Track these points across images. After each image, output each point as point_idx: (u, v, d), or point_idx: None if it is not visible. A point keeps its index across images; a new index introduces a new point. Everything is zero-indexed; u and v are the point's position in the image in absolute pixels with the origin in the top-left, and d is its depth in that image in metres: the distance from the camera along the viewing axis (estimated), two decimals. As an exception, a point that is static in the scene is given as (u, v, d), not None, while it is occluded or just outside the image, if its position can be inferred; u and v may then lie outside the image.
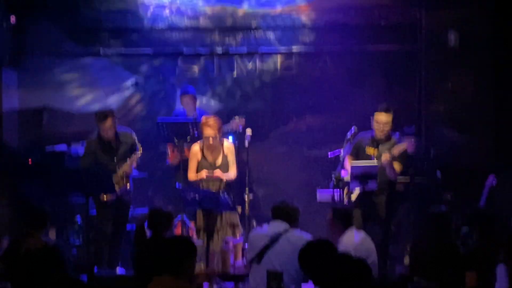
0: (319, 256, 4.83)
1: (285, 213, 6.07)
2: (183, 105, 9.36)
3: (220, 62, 10.31)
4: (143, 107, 10.35)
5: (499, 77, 9.59)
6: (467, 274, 5.72)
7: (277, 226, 5.98)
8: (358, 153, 7.89)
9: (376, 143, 7.78)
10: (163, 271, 4.65)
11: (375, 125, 7.76)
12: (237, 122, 8.84)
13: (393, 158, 7.63)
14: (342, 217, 6.26)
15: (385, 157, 7.52)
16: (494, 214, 6.23)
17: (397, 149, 7.61)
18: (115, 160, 7.99)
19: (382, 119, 7.72)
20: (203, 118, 7.99)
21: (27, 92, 10.36)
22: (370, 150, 7.76)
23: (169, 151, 9.29)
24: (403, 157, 7.70)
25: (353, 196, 7.62)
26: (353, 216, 6.55)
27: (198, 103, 9.56)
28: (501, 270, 5.32)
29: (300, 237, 5.88)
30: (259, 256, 5.86)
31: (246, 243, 7.79)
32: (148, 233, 6.56)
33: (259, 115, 10.19)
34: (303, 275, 5.63)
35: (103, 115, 7.93)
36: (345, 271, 4.14)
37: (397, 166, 7.69)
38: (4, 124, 10.06)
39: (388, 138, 7.82)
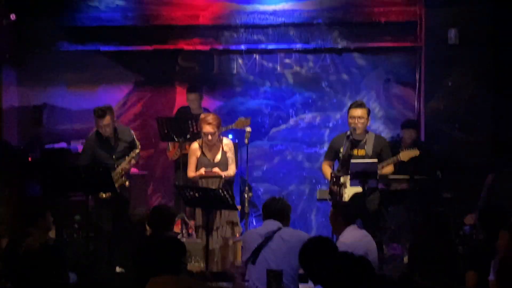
0: (318, 254, 4.82)
1: (277, 211, 6.04)
2: (188, 102, 9.35)
3: (220, 59, 10.30)
4: (143, 105, 10.35)
5: (499, 75, 9.58)
6: (467, 274, 5.71)
7: (270, 225, 5.96)
8: (337, 157, 7.88)
9: (355, 143, 7.73)
10: (160, 271, 4.65)
11: (350, 122, 7.73)
12: (243, 122, 8.81)
13: (399, 163, 7.64)
14: (343, 213, 6.25)
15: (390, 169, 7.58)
16: (504, 211, 6.18)
17: (408, 155, 7.58)
18: (113, 158, 7.97)
19: (355, 114, 7.70)
20: (202, 115, 7.99)
21: (27, 90, 10.36)
22: (355, 152, 7.72)
23: (169, 146, 9.30)
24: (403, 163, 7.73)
25: (346, 196, 7.60)
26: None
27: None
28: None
29: (293, 234, 5.87)
30: (254, 255, 5.84)
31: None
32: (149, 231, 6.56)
33: (259, 113, 10.20)
34: (300, 274, 5.65)
35: (101, 111, 7.90)
36: (345, 269, 4.12)
37: (389, 168, 7.69)
38: (4, 122, 10.07)
39: (365, 134, 7.80)
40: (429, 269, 5.92)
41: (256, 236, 5.92)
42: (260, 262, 5.78)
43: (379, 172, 7.50)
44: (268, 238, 5.85)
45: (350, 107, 7.81)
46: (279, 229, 5.91)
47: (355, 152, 7.70)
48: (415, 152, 7.64)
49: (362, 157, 7.63)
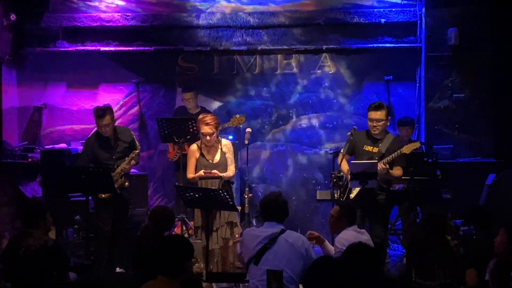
0: (322, 276, 4.74)
1: (277, 213, 5.98)
2: (184, 101, 9.36)
3: (220, 60, 10.30)
4: (143, 105, 10.35)
5: (499, 75, 9.59)
6: (467, 272, 5.71)
7: (273, 228, 5.92)
8: (354, 152, 7.87)
9: (374, 140, 7.75)
10: (160, 272, 4.62)
11: (369, 124, 7.74)
12: (238, 119, 8.82)
13: (402, 157, 7.59)
14: (349, 214, 6.29)
15: (380, 166, 7.48)
16: (493, 211, 6.20)
17: (410, 148, 7.57)
18: (113, 158, 7.96)
19: (374, 116, 7.70)
20: (201, 116, 7.96)
21: (26, 90, 10.36)
22: (369, 148, 7.73)
23: (169, 147, 9.30)
24: (405, 159, 7.67)
25: (352, 195, 7.61)
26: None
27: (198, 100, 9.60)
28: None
29: (298, 238, 5.85)
30: (257, 257, 5.82)
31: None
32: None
33: (259, 114, 10.20)
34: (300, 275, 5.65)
35: (101, 111, 7.88)
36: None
37: (397, 171, 7.64)
38: (4, 122, 10.06)
39: (384, 134, 7.80)
40: (428, 269, 5.92)
41: (258, 238, 5.87)
42: (263, 263, 5.75)
43: (386, 172, 7.47)
44: (272, 240, 5.82)
45: (369, 109, 7.77)
46: (283, 231, 5.89)
47: (370, 148, 7.71)
48: (416, 145, 7.65)
49: (374, 153, 7.61)
